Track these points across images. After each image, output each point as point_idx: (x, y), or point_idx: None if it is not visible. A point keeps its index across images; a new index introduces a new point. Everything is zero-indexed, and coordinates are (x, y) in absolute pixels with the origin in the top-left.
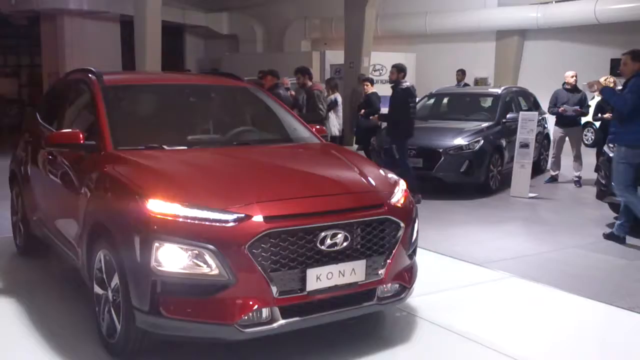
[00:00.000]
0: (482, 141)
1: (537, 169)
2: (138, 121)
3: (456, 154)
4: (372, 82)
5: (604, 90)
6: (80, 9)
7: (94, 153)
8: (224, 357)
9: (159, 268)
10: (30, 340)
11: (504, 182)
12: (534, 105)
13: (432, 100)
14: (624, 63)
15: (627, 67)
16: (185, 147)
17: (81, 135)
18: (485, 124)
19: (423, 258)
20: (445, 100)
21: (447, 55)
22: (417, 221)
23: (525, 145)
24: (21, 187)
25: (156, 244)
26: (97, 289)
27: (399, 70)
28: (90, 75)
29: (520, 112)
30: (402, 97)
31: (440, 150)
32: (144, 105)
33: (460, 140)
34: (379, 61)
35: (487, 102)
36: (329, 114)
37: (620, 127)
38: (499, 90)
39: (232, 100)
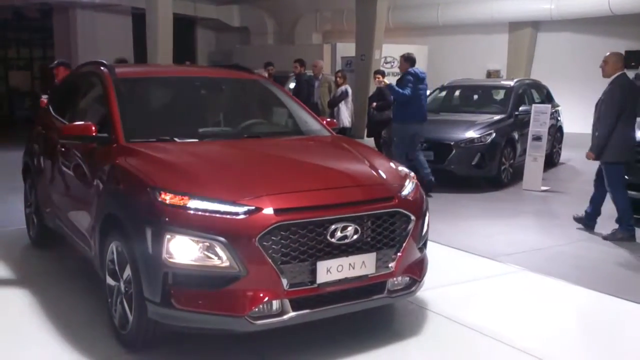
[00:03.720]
0: (494, 134)
1: (550, 162)
2: (149, 114)
3: (468, 147)
4: (383, 74)
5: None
6: (92, 1)
7: (106, 145)
8: (234, 348)
9: (171, 260)
10: (42, 331)
11: (516, 176)
12: (547, 98)
13: (443, 93)
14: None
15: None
16: (197, 140)
17: (93, 128)
18: (497, 117)
19: (434, 251)
20: (457, 93)
21: (459, 47)
22: (427, 214)
23: (537, 138)
24: (34, 179)
25: (167, 236)
26: (110, 280)
27: (406, 59)
28: (102, 67)
29: (533, 105)
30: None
31: (452, 143)
32: (155, 98)
33: (472, 133)
34: (391, 53)
35: (500, 95)
36: (340, 105)
37: None
38: (511, 83)
39: (243, 93)
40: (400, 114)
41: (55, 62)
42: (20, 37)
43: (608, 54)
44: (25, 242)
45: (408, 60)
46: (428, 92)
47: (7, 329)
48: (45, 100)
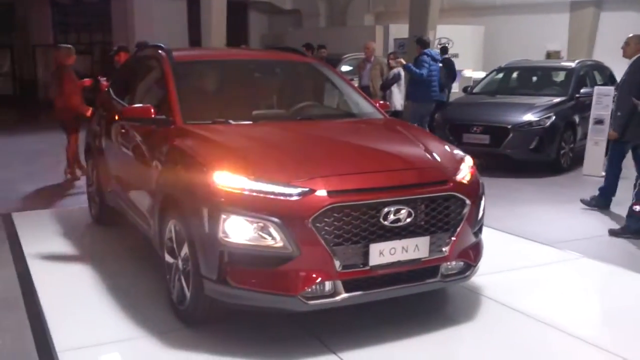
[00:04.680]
0: (553, 117)
1: None
2: (205, 96)
3: (525, 130)
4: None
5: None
6: None
7: (164, 127)
8: (290, 328)
9: (226, 239)
10: (103, 304)
11: (577, 160)
12: (610, 80)
13: (500, 75)
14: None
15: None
16: (251, 122)
17: (152, 110)
18: (557, 99)
19: (490, 237)
20: (514, 75)
21: (517, 27)
22: (483, 198)
23: (599, 122)
24: (96, 160)
25: (223, 216)
26: (168, 258)
27: (418, 42)
28: (160, 51)
29: (595, 87)
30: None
31: (509, 127)
32: (211, 81)
33: (530, 116)
34: (445, 34)
35: (560, 76)
36: (392, 88)
37: None
38: (572, 64)
39: (296, 76)
40: (414, 94)
41: (115, 48)
42: (81, 22)
43: (630, 35)
44: (88, 221)
45: (420, 42)
46: (485, 74)
47: (71, 302)
48: (106, 83)
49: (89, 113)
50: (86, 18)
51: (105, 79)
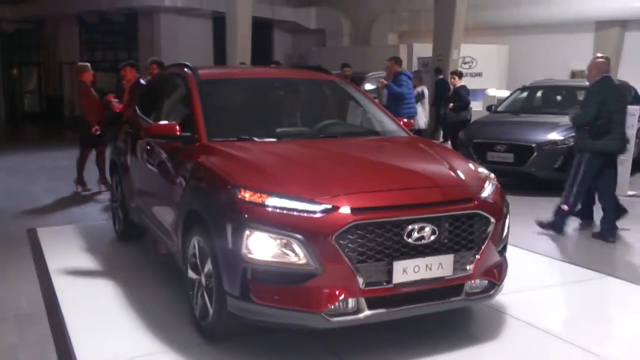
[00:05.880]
0: None
1: (638, 166)
2: (230, 113)
3: (550, 149)
4: (460, 75)
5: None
6: (175, 6)
7: (189, 144)
8: (311, 346)
9: (250, 255)
10: (125, 319)
11: None
12: (635, 99)
13: (525, 94)
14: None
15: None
16: (275, 140)
17: (177, 127)
18: None
19: (514, 255)
20: (539, 94)
21: (541, 46)
22: (508, 217)
23: None
24: (121, 176)
25: (247, 232)
26: (191, 274)
27: (396, 62)
28: (186, 69)
29: None
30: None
31: (533, 145)
32: (235, 98)
33: (555, 135)
34: (469, 53)
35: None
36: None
37: None
38: None
39: (320, 93)
40: (391, 109)
41: (123, 63)
42: (106, 40)
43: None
44: (112, 236)
45: (398, 62)
46: (509, 93)
47: (94, 318)
48: (117, 105)
49: (94, 129)
50: (113, 36)
51: (117, 100)
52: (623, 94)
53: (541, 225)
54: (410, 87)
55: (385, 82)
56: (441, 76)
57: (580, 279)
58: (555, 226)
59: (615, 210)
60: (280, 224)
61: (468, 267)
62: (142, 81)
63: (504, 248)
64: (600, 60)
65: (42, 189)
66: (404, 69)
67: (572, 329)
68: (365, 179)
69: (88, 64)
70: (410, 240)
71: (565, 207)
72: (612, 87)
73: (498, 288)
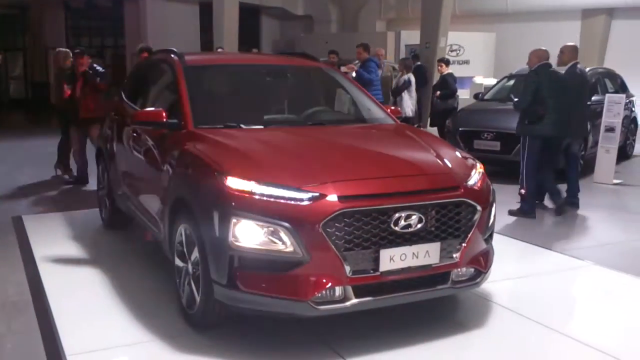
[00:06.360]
0: None
1: (623, 154)
2: (217, 100)
3: None
4: (447, 63)
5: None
6: None
7: (175, 131)
8: (299, 334)
9: (237, 243)
10: (112, 307)
11: (587, 168)
12: (621, 88)
13: (511, 82)
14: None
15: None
16: (262, 127)
17: (164, 114)
18: None
19: (500, 243)
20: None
21: (528, 34)
22: (494, 205)
23: (610, 129)
24: (107, 163)
25: (234, 220)
26: (178, 262)
27: (365, 48)
28: (172, 55)
29: (607, 95)
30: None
31: None
32: (222, 85)
33: None
34: (457, 41)
35: None
36: (403, 94)
37: None
38: None
39: (307, 81)
40: None
41: (76, 50)
42: (93, 25)
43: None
44: (98, 224)
45: (367, 48)
46: (496, 81)
47: (81, 306)
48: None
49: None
50: (99, 22)
51: (69, 86)
52: (560, 80)
53: (512, 213)
54: (378, 74)
55: (354, 67)
56: (418, 63)
57: (566, 267)
58: (524, 212)
59: (549, 193)
60: (267, 211)
61: (454, 255)
62: (96, 67)
63: (490, 236)
64: (540, 49)
65: (28, 176)
66: (374, 55)
67: (558, 317)
68: (352, 167)
69: (69, 50)
70: (397, 228)
71: (522, 191)
72: (547, 75)
73: (484, 276)
